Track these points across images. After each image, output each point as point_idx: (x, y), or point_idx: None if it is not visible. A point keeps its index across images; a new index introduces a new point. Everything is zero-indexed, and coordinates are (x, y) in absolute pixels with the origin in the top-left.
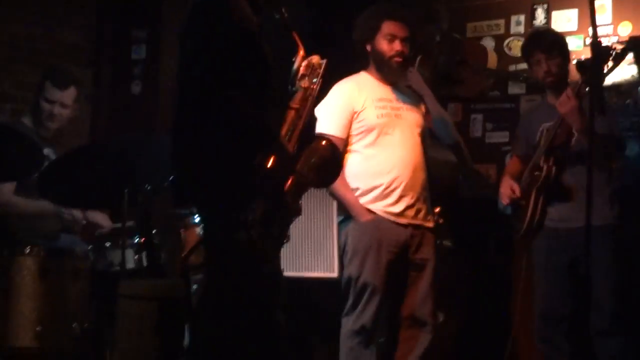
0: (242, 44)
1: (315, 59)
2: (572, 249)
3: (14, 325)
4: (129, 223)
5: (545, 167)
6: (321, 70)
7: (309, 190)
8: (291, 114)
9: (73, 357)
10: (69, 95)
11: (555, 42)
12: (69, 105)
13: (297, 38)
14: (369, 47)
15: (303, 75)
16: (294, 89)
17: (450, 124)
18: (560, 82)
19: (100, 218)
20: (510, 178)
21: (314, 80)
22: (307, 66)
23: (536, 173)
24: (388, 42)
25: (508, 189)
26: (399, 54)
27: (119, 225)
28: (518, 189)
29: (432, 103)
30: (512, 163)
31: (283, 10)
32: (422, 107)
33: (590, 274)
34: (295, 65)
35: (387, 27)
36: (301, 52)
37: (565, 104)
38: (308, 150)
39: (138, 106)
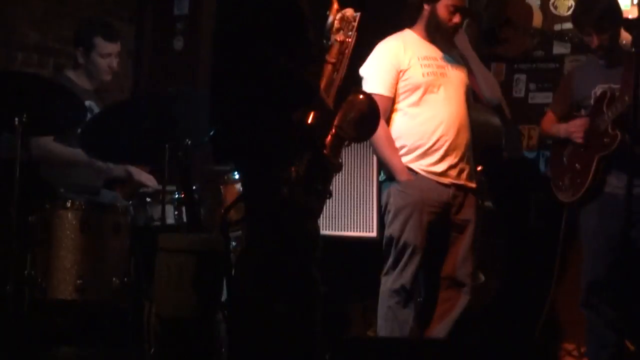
0: None
1: (349, 12)
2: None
3: (54, 278)
4: (170, 186)
5: (618, 135)
6: (355, 24)
7: (349, 150)
8: (328, 69)
9: (112, 310)
10: (118, 46)
11: (605, 15)
12: (118, 56)
13: None
14: (427, 7)
15: (337, 29)
16: (328, 42)
17: (495, 85)
18: (612, 49)
19: (145, 178)
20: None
21: (349, 33)
22: (341, 19)
23: (606, 140)
24: (450, 12)
25: (578, 125)
26: (456, 26)
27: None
28: (586, 120)
29: (475, 64)
30: (548, 119)
31: None
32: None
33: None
34: (330, 19)
35: None
36: (335, 5)
37: None
38: (346, 104)
39: (180, 62)
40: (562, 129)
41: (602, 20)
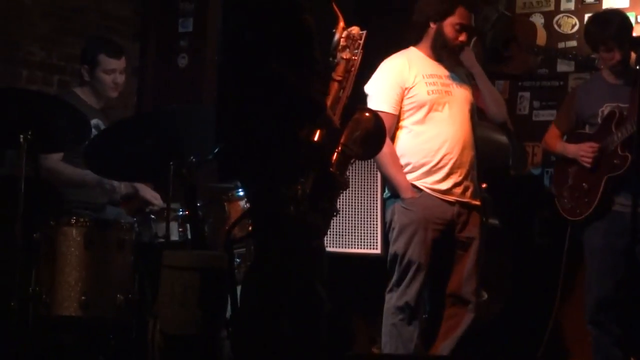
0: (287, 15)
1: (355, 30)
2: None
3: (59, 294)
4: (175, 203)
5: (629, 157)
6: (361, 42)
7: (354, 167)
8: (334, 86)
9: (116, 327)
10: (123, 62)
11: (623, 29)
12: (124, 72)
13: (336, 9)
14: (432, 26)
15: (344, 47)
16: (334, 60)
17: (502, 102)
18: (626, 66)
19: (151, 196)
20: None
21: (355, 51)
22: (348, 37)
23: (616, 161)
24: (456, 30)
25: (588, 149)
26: (462, 45)
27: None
28: (596, 145)
29: (482, 81)
30: (552, 134)
31: None
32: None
33: None
34: (336, 37)
35: (460, 14)
36: (341, 24)
37: None
38: (352, 122)
39: (184, 79)
40: (569, 150)
41: (621, 34)
